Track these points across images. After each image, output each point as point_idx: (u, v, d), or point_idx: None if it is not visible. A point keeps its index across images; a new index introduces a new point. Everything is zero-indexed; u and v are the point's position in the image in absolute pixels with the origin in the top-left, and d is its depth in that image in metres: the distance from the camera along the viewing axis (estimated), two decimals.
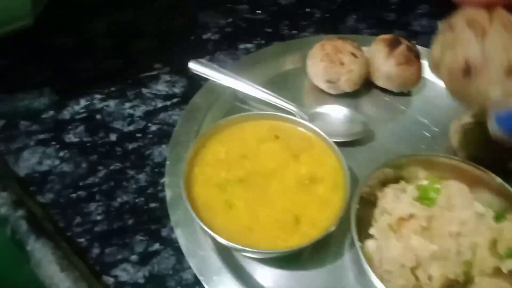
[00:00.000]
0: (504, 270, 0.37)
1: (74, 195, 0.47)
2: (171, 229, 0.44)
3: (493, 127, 0.27)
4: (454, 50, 0.27)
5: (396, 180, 0.45)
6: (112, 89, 0.57)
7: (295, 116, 0.51)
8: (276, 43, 0.64)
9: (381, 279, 0.37)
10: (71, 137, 0.52)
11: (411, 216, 0.40)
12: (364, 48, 0.58)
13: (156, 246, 0.44)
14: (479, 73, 0.26)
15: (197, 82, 0.57)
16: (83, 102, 0.55)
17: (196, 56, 0.58)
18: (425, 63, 0.58)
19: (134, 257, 0.43)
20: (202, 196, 0.42)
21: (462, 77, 0.27)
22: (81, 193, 0.47)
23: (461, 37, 0.27)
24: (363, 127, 0.52)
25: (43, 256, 0.39)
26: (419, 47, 0.59)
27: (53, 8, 0.64)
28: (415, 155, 0.46)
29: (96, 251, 0.43)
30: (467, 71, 0.26)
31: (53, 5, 0.64)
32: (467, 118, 0.50)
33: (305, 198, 0.42)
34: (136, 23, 0.67)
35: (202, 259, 0.42)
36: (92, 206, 0.46)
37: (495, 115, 0.27)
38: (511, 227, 0.39)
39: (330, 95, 0.57)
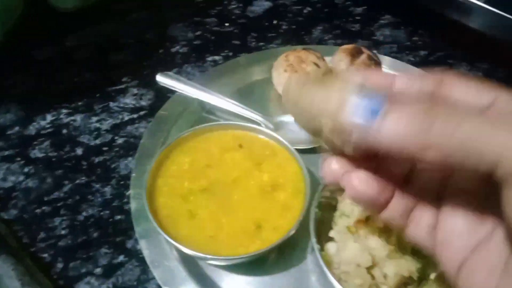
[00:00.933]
0: None
1: (38, 210, 0.47)
2: (136, 241, 0.44)
3: (350, 115, 0.21)
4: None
5: None
6: (79, 103, 0.57)
7: (261, 125, 0.52)
8: (244, 55, 0.65)
9: (339, 279, 0.38)
10: (36, 153, 0.52)
11: (369, 218, 0.41)
12: (328, 58, 0.60)
13: (121, 258, 0.44)
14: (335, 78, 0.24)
15: (164, 94, 0.58)
16: (49, 117, 0.55)
17: (165, 69, 0.59)
18: (386, 71, 0.60)
19: (98, 270, 0.43)
20: (166, 207, 0.42)
21: (318, 83, 0.24)
22: (46, 208, 0.47)
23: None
24: None
25: (4, 272, 0.39)
26: (380, 56, 0.61)
27: (30, 21, 0.64)
28: None
29: (60, 265, 0.43)
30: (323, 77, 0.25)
31: (31, 18, 0.64)
32: None
33: (267, 204, 0.43)
34: (112, 36, 0.68)
35: (166, 269, 0.42)
36: (57, 220, 0.46)
37: (356, 101, 0.21)
38: None
39: None
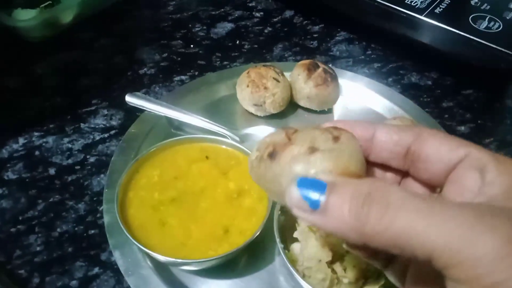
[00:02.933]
0: None
1: (13, 229, 0.49)
2: (110, 253, 0.46)
3: (292, 195, 0.23)
4: (265, 142, 0.29)
5: None
6: (51, 126, 0.59)
7: (227, 139, 0.56)
8: (209, 74, 0.69)
9: (303, 276, 0.41)
10: (9, 175, 0.53)
11: None
12: (287, 73, 0.64)
13: (96, 270, 0.46)
14: (282, 153, 0.26)
15: (134, 114, 0.61)
16: (21, 141, 0.57)
17: (133, 90, 0.62)
18: (341, 83, 0.64)
19: (74, 283, 0.45)
20: (137, 217, 0.45)
21: (269, 162, 0.27)
22: (21, 227, 0.49)
23: (274, 134, 0.29)
24: None
25: None
26: (336, 69, 0.66)
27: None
28: None
29: (36, 280, 0.45)
30: (272, 154, 0.27)
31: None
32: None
33: (233, 210, 0.46)
34: (80, 62, 0.70)
35: (140, 277, 0.44)
36: (32, 238, 0.48)
37: (297, 180, 0.23)
38: None
39: (260, 117, 0.62)
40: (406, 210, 0.20)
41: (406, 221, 0.20)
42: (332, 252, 0.42)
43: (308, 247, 0.42)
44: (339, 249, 0.42)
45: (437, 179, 0.25)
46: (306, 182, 0.23)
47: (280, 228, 0.44)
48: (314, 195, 0.22)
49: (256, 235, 0.43)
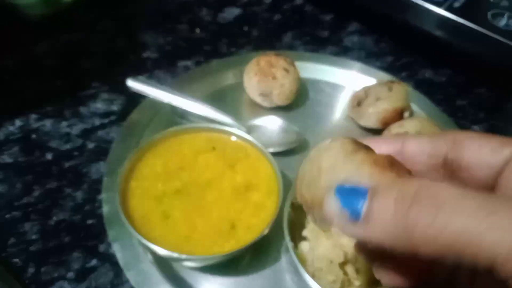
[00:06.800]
0: None
1: (8, 216, 0.46)
2: (109, 244, 0.44)
3: (330, 202, 0.21)
4: None
5: None
6: (49, 108, 0.56)
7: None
8: (215, 60, 0.66)
9: (313, 276, 0.39)
10: (5, 158, 0.51)
11: None
12: (298, 63, 0.61)
13: (94, 262, 0.44)
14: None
15: (136, 99, 0.58)
16: (18, 123, 0.54)
17: (135, 74, 0.58)
18: (352, 74, 0.62)
19: (70, 274, 0.42)
20: (139, 209, 0.42)
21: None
22: (16, 213, 0.46)
23: None
24: (297, 136, 0.55)
25: None
26: (351, 61, 0.64)
27: None
28: None
29: (31, 270, 0.42)
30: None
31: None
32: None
33: (241, 205, 0.44)
34: (82, 44, 0.67)
35: (140, 272, 0.42)
36: (27, 226, 0.45)
37: (336, 187, 0.21)
38: None
39: (267, 108, 0.59)
40: (461, 210, 0.17)
41: (463, 223, 0.17)
42: (344, 253, 0.40)
43: (319, 247, 0.40)
44: (352, 250, 0.40)
45: (484, 186, 0.23)
46: (345, 190, 0.21)
47: (289, 225, 0.42)
48: (355, 203, 0.20)
49: (265, 232, 0.41)
